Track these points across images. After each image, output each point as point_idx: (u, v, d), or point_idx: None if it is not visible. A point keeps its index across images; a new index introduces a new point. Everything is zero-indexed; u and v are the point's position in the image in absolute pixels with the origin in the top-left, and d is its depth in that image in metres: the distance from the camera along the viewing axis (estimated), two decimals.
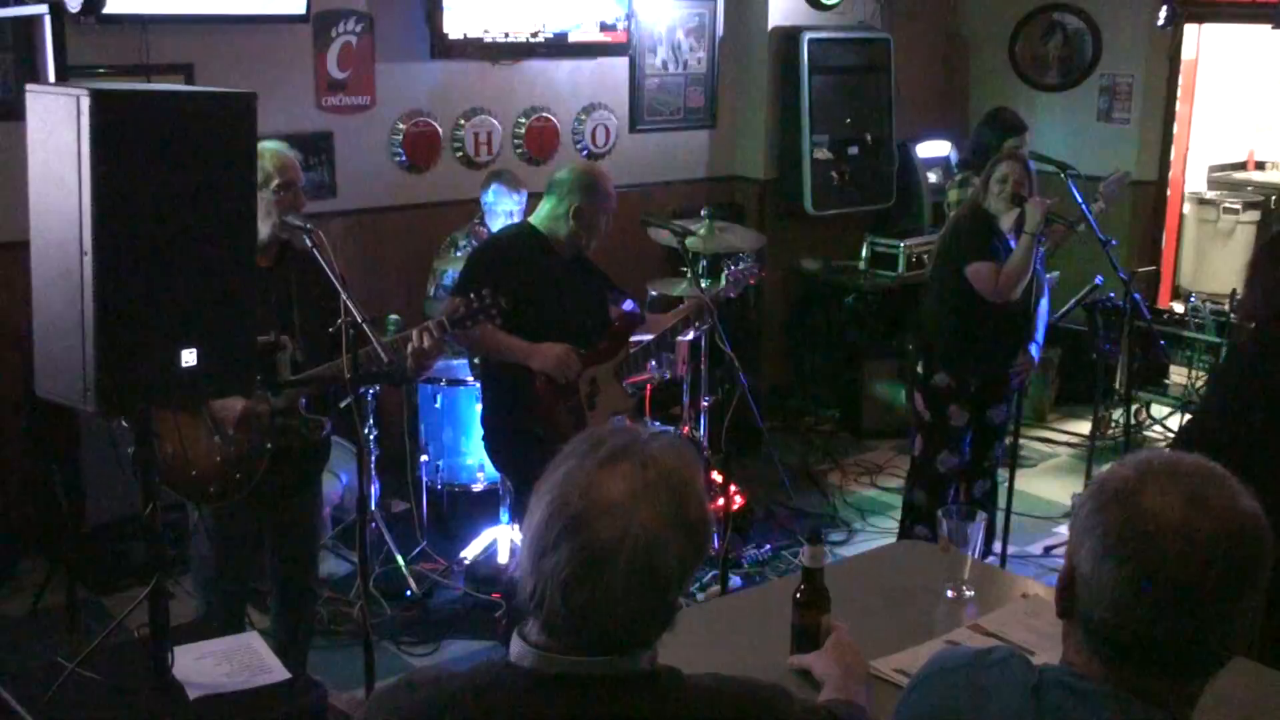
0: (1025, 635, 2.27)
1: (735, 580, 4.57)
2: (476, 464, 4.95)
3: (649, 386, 5.07)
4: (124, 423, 3.07)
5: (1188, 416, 6.13)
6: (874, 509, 5.59)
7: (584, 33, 5.95)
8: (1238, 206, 8.63)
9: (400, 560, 4.65)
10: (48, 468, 4.61)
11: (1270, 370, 3.04)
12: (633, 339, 4.11)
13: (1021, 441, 5.46)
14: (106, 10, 4.39)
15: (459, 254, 5.13)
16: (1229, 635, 1.34)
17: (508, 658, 1.45)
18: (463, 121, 5.84)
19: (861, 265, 6.82)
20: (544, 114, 6.09)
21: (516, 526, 4.44)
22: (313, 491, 3.53)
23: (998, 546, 4.61)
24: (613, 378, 4.02)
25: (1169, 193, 7.38)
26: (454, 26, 5.52)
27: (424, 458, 5.00)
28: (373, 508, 4.63)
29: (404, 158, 5.69)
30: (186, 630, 2.75)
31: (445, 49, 5.56)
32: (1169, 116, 7.13)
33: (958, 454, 4.52)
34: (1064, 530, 5.26)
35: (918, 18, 7.43)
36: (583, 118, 6.25)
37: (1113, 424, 6.43)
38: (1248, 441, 2.94)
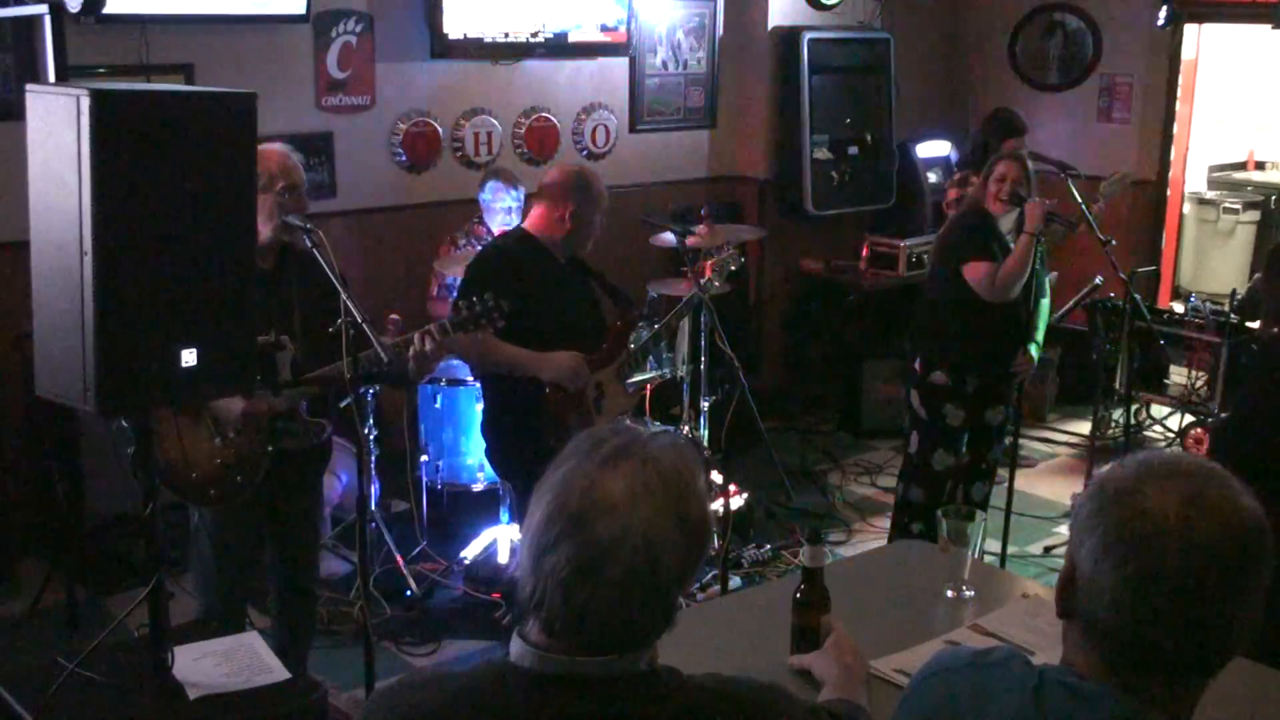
0: (1025, 635, 2.27)
1: (735, 580, 4.58)
2: (476, 464, 4.95)
3: (648, 386, 5.07)
4: (124, 423, 3.08)
5: (1189, 418, 6.15)
6: (874, 509, 5.58)
7: (584, 33, 5.95)
8: (1238, 206, 8.63)
9: (400, 560, 4.64)
10: (48, 468, 4.61)
11: None
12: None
13: (1021, 441, 5.47)
14: (106, 10, 4.39)
15: (459, 253, 5.14)
16: (1229, 635, 1.34)
17: (508, 658, 1.45)
18: (463, 121, 5.85)
19: (861, 265, 6.82)
20: (544, 114, 6.09)
21: (519, 528, 4.44)
22: (313, 493, 3.53)
23: (997, 547, 4.60)
24: (616, 379, 4.02)
25: (1169, 193, 7.38)
26: (454, 26, 5.52)
27: (424, 458, 5.00)
28: (373, 508, 4.64)
29: (404, 158, 5.69)
30: (186, 630, 2.76)
31: (445, 49, 5.56)
32: (1169, 116, 7.13)
33: (954, 454, 4.52)
34: (1064, 530, 5.26)
35: (918, 18, 7.43)
36: (583, 118, 6.25)
37: (1113, 424, 6.43)
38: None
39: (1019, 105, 6.31)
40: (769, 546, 5.03)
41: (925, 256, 6.07)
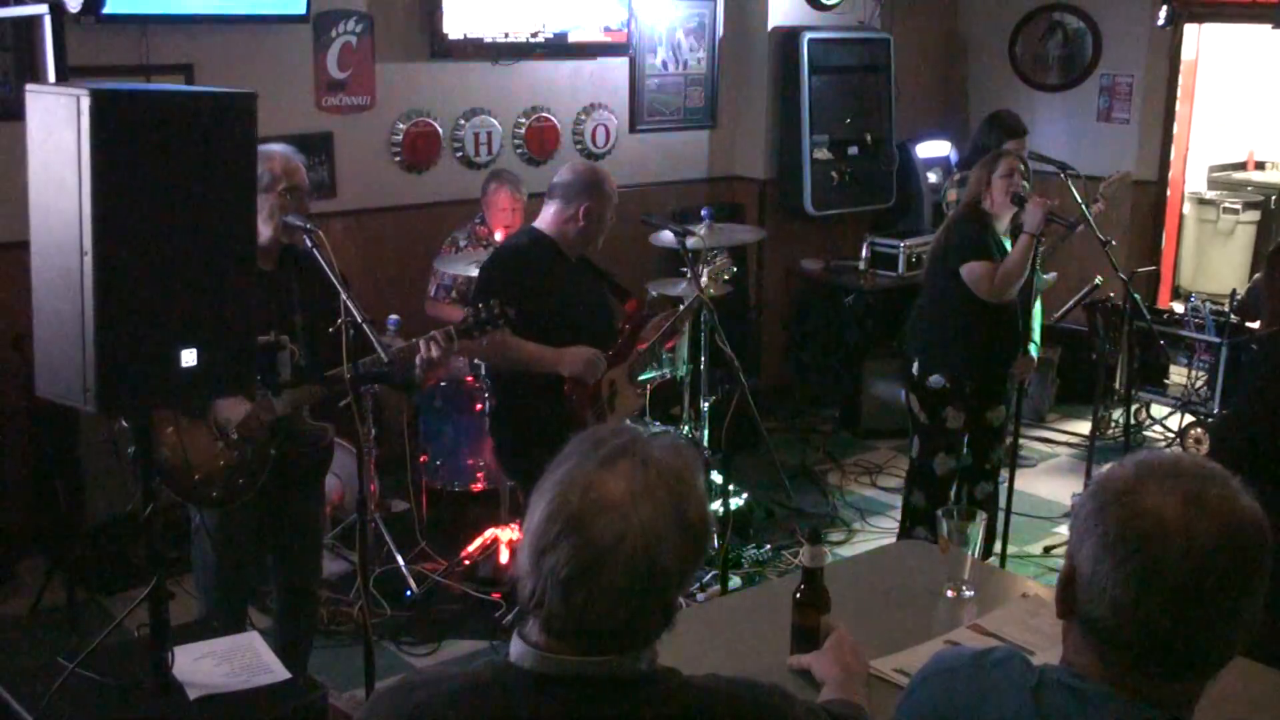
0: (1025, 635, 2.27)
1: (735, 580, 4.57)
2: (477, 464, 4.96)
3: (648, 386, 5.07)
4: (124, 423, 3.07)
5: (1189, 418, 6.15)
6: (874, 509, 5.58)
7: (584, 33, 5.96)
8: (1238, 206, 8.63)
9: (400, 560, 4.64)
10: (48, 468, 4.61)
11: None
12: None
13: (1021, 441, 5.47)
14: (106, 10, 4.39)
15: (459, 253, 5.14)
16: (1229, 635, 1.34)
17: (508, 658, 1.45)
18: (463, 121, 5.85)
19: (861, 265, 6.82)
20: (544, 114, 6.09)
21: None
22: (315, 494, 3.53)
23: (997, 546, 4.60)
24: (627, 378, 4.04)
25: (1169, 193, 7.38)
26: (454, 26, 5.52)
27: (424, 458, 5.00)
28: (372, 508, 4.63)
29: (404, 158, 5.69)
30: (186, 630, 2.75)
31: (445, 49, 5.56)
32: (1169, 116, 7.14)
33: (955, 456, 4.51)
34: (1064, 530, 5.26)
35: (918, 18, 7.43)
36: (583, 118, 6.25)
37: (1113, 424, 6.43)
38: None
39: (1019, 105, 6.32)
40: (769, 546, 5.04)
41: (925, 256, 6.07)
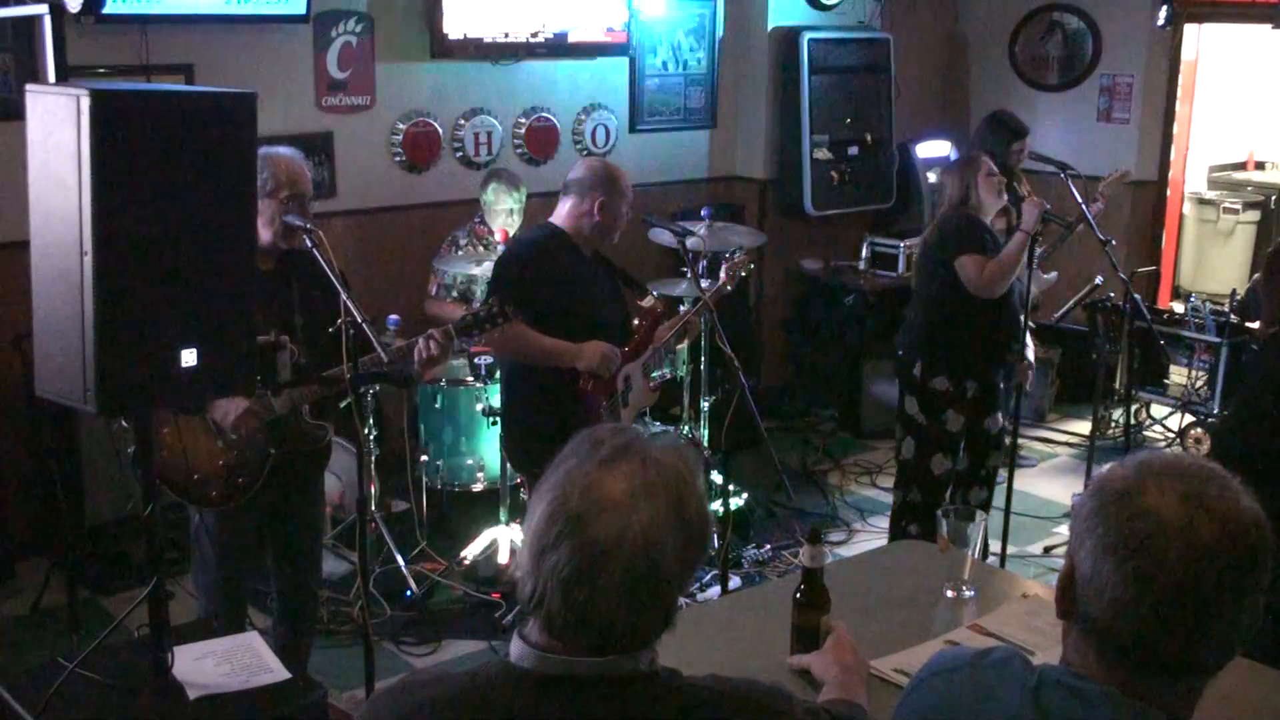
0: (1025, 635, 2.27)
1: (735, 580, 4.57)
2: (476, 464, 4.96)
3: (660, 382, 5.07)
4: (124, 423, 3.08)
5: (1189, 418, 6.15)
6: (874, 509, 5.58)
7: (584, 33, 5.95)
8: (1238, 206, 8.64)
9: (400, 560, 4.64)
10: (48, 468, 4.61)
11: None
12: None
13: (1021, 441, 5.47)
14: (106, 10, 4.41)
15: (459, 253, 5.14)
16: (1229, 635, 1.34)
17: (508, 658, 1.45)
18: (463, 121, 5.84)
19: (861, 265, 6.82)
20: (544, 114, 6.09)
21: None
22: (314, 494, 3.53)
23: (996, 547, 4.60)
24: (641, 374, 4.06)
25: (1169, 193, 7.38)
26: (454, 26, 5.51)
27: (424, 458, 5.00)
28: (372, 508, 4.63)
29: (404, 158, 5.69)
30: (186, 630, 2.75)
31: (445, 49, 5.56)
32: (1169, 116, 7.13)
33: (952, 458, 4.50)
34: (1064, 530, 5.26)
35: (918, 18, 7.43)
36: (582, 118, 6.25)
37: (1113, 424, 6.43)
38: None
39: (1019, 105, 6.33)
40: (769, 546, 5.04)
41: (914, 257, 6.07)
